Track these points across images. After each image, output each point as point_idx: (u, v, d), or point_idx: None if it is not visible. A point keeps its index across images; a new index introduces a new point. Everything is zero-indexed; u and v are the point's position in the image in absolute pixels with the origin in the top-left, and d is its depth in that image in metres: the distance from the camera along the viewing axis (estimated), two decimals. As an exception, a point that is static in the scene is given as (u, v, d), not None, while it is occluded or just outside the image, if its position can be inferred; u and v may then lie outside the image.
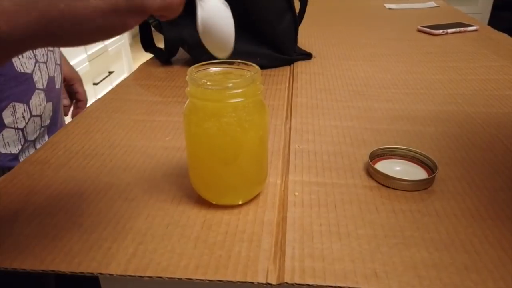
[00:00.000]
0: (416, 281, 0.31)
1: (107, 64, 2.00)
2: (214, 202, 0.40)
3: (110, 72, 1.99)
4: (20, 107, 0.55)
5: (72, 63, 1.54)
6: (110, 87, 0.71)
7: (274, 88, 0.70)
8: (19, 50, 0.26)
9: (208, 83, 0.35)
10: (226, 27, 0.33)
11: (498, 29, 1.07)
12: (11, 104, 0.54)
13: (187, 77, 0.36)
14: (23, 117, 0.56)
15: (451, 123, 0.56)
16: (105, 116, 0.59)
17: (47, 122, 0.62)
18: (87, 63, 1.74)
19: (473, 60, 0.83)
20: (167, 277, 0.31)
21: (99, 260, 0.33)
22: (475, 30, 1.06)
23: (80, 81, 0.79)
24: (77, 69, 1.64)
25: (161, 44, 0.83)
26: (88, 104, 0.64)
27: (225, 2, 0.32)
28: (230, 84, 0.35)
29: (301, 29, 0.86)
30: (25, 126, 0.56)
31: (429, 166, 0.44)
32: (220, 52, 0.35)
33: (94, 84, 1.84)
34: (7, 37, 0.23)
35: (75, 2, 0.24)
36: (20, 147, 0.57)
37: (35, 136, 0.60)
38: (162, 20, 0.29)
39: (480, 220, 0.37)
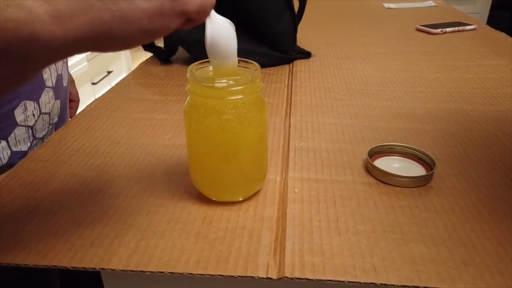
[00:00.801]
0: (415, 275, 0.31)
1: (105, 64, 2.00)
2: (214, 199, 0.40)
3: (109, 72, 1.99)
4: (30, 105, 0.56)
5: (70, 62, 1.54)
6: (109, 87, 0.71)
7: (273, 87, 0.70)
8: (67, 55, 0.26)
9: (208, 80, 0.35)
10: (231, 43, 0.35)
11: (497, 29, 1.07)
12: (22, 102, 0.55)
13: (188, 74, 0.36)
14: (33, 114, 0.57)
15: (449, 121, 0.57)
16: (105, 114, 0.60)
17: (55, 119, 0.63)
18: (86, 62, 1.74)
19: (471, 59, 0.83)
20: (168, 272, 0.32)
21: (100, 256, 0.33)
22: (473, 29, 1.06)
23: (72, 81, 0.79)
24: (75, 69, 1.63)
25: (160, 43, 0.83)
26: (88, 103, 0.65)
27: (230, 21, 0.34)
28: (231, 81, 0.35)
29: (300, 28, 0.87)
30: (34, 124, 0.57)
31: (427, 163, 0.45)
32: (223, 67, 0.37)
33: (93, 83, 1.84)
34: (59, 41, 0.24)
35: (125, 4, 0.25)
36: (29, 144, 0.57)
37: (44, 133, 0.60)
38: (187, 26, 0.30)
39: (477, 216, 0.38)
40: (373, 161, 0.45)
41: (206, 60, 0.38)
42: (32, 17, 0.22)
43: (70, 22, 0.23)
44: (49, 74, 0.59)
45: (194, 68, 0.37)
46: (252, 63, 0.38)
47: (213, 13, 0.33)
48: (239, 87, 0.35)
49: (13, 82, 0.26)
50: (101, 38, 0.25)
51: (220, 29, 0.34)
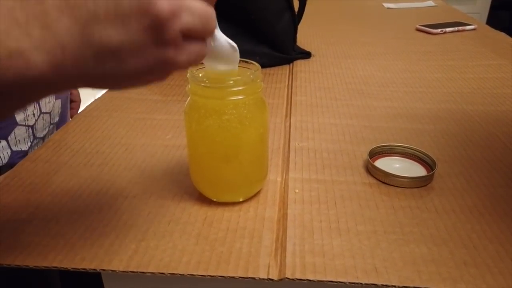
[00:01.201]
0: (416, 276, 0.31)
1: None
2: (215, 199, 0.40)
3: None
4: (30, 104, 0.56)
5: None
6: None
7: (273, 87, 0.70)
8: (59, 90, 0.27)
9: (209, 80, 0.35)
10: (229, 66, 0.34)
11: (496, 29, 1.07)
12: None
13: (188, 75, 0.36)
14: (33, 114, 0.57)
15: (450, 121, 0.57)
16: (105, 114, 0.60)
17: (56, 119, 0.63)
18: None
19: (471, 59, 0.83)
20: (169, 273, 0.32)
21: (101, 257, 0.33)
22: (473, 29, 1.06)
23: None
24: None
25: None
26: (88, 103, 0.64)
27: (235, 46, 0.33)
28: (231, 82, 0.35)
29: (300, 28, 0.87)
30: (34, 123, 0.57)
31: (428, 164, 0.45)
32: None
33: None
34: (50, 77, 0.24)
35: (115, 66, 0.25)
36: (29, 144, 0.57)
37: (44, 133, 0.60)
38: None
39: (478, 216, 0.38)
40: (373, 162, 0.44)
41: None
42: (30, 66, 0.23)
43: (62, 73, 0.24)
44: None
45: (194, 69, 0.37)
46: (252, 63, 0.38)
47: (217, 34, 0.32)
48: (240, 88, 0.35)
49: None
50: (92, 87, 0.27)
51: (221, 52, 0.33)
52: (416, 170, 0.44)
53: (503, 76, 0.73)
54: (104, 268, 0.32)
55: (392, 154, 0.47)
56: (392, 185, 0.42)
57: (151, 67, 0.26)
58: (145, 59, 0.25)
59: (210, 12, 0.27)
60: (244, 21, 0.76)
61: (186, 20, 0.25)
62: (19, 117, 0.55)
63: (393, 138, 0.52)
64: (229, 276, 0.32)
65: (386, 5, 1.42)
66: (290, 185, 0.43)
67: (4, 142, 0.54)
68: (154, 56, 0.25)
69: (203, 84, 0.35)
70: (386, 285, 0.31)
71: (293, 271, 0.32)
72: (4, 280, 0.50)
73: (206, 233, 0.36)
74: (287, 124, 0.57)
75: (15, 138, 0.55)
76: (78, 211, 0.39)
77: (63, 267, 0.33)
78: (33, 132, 0.57)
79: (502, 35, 1.02)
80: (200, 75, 0.37)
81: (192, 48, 0.27)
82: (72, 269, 0.32)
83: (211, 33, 0.28)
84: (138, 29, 0.24)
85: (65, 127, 0.56)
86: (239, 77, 0.35)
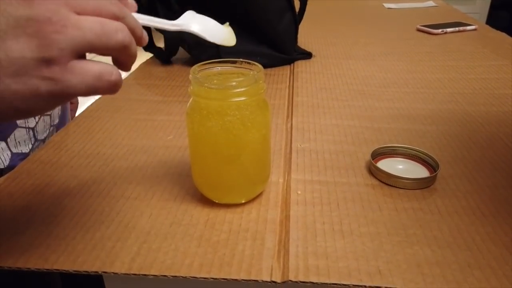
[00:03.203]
0: (420, 278, 0.31)
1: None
2: (217, 201, 0.40)
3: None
4: None
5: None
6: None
7: (274, 88, 0.70)
8: None
9: (211, 81, 0.35)
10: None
11: (496, 29, 1.07)
12: None
13: (190, 76, 0.36)
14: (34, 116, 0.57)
15: (452, 122, 0.56)
16: (106, 115, 0.59)
17: (56, 121, 0.63)
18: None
19: (472, 59, 0.83)
20: (172, 276, 0.32)
21: (103, 259, 0.33)
22: (474, 30, 1.06)
23: None
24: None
25: (161, 44, 0.83)
26: (89, 103, 0.64)
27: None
28: (234, 83, 0.35)
29: (301, 28, 0.86)
30: (35, 125, 0.57)
31: (430, 165, 0.45)
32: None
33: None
34: None
35: None
36: (30, 146, 0.57)
37: (45, 135, 0.60)
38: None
39: (482, 218, 0.37)
40: (376, 163, 0.44)
41: (209, 61, 0.38)
42: None
43: None
44: None
45: (197, 70, 0.37)
46: (255, 64, 0.38)
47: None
48: (243, 89, 0.35)
49: None
50: None
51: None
52: (419, 171, 0.44)
53: (504, 77, 0.73)
54: (106, 270, 0.32)
55: (394, 155, 0.47)
56: (394, 187, 0.42)
57: (34, 90, 0.23)
58: (26, 79, 0.23)
59: (109, 26, 0.24)
60: (244, 22, 0.75)
61: (74, 35, 0.23)
62: None
63: (395, 139, 0.52)
64: (232, 279, 0.31)
65: (386, 5, 1.42)
66: (292, 187, 0.42)
67: (3, 144, 0.54)
68: (36, 76, 0.23)
69: (205, 85, 0.35)
70: (390, 288, 0.30)
71: (296, 274, 0.31)
72: (3, 280, 0.50)
73: (208, 235, 0.36)
74: (289, 125, 0.57)
75: (15, 140, 0.55)
76: (79, 213, 0.39)
77: (64, 270, 0.32)
78: (34, 134, 0.57)
79: (502, 35, 1.02)
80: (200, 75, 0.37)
81: (89, 69, 0.24)
82: (73, 272, 0.32)
83: (113, 50, 0.25)
84: (19, 42, 0.22)
85: (66, 128, 0.56)
86: (241, 79, 0.35)
